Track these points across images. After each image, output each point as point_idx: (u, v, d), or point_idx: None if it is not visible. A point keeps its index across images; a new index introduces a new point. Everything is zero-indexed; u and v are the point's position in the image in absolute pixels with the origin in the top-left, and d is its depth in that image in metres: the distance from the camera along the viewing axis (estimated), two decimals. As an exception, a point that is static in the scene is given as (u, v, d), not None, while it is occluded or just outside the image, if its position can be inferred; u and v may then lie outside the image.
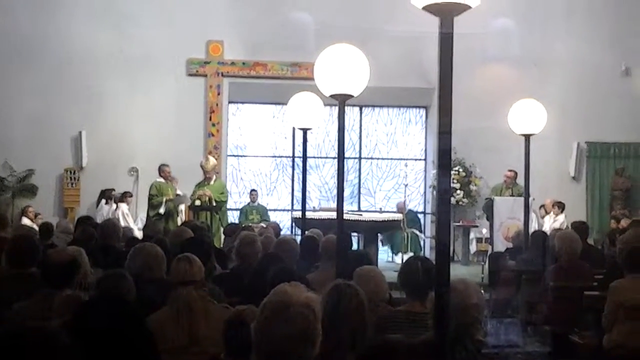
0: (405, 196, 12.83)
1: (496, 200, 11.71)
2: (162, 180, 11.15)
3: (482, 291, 3.60)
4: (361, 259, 4.75)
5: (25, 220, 11.52)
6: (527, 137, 6.81)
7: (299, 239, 6.64)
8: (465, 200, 13.34)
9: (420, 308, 3.72)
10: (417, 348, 2.91)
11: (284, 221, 12.88)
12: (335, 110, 5.37)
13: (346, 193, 12.87)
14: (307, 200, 8.26)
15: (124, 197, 12.57)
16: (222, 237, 9.60)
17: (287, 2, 12.99)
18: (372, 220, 10.75)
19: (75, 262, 4.05)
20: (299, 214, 8.28)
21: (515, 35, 12.68)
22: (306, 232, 6.70)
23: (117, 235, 6.52)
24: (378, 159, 14.63)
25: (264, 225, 10.32)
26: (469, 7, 2.63)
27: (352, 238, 8.35)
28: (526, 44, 13.02)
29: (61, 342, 1.94)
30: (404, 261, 4.75)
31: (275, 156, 14.42)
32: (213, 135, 13.53)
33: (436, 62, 2.67)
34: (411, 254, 11.45)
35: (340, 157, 4.90)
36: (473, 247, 12.90)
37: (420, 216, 13.91)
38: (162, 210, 10.83)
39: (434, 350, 2.67)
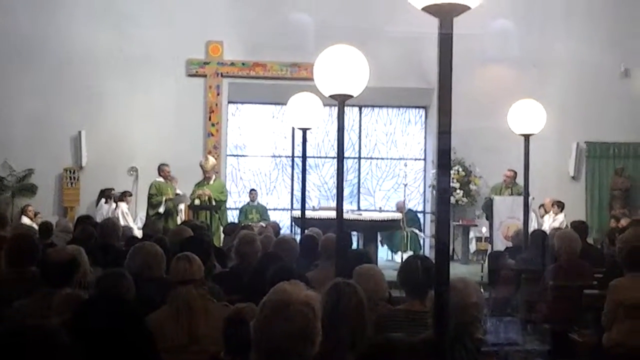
0: (404, 196, 12.83)
1: (496, 200, 11.73)
2: (161, 179, 11.16)
3: (482, 290, 3.61)
4: (361, 257, 4.74)
5: (25, 219, 11.49)
6: (527, 137, 6.84)
7: (298, 238, 6.63)
8: (464, 199, 13.33)
9: (420, 307, 3.73)
10: (416, 347, 2.91)
11: (283, 221, 12.86)
12: (335, 110, 5.38)
13: (346, 193, 12.85)
14: (307, 200, 8.28)
15: (124, 196, 12.56)
16: (222, 236, 9.60)
17: (287, 2, 12.99)
18: (372, 220, 10.76)
19: (75, 261, 4.04)
20: (298, 214, 8.28)
21: (514, 36, 12.69)
22: (306, 231, 6.70)
23: (117, 234, 6.53)
24: (377, 158, 14.62)
25: (264, 225, 10.31)
26: (469, 8, 2.63)
27: (352, 237, 8.35)
28: (525, 44, 13.02)
29: (61, 340, 1.95)
30: (403, 260, 4.76)
31: (274, 156, 14.41)
32: (212, 135, 13.52)
33: (436, 62, 2.68)
34: (411, 253, 11.46)
35: (340, 157, 4.91)
36: (473, 246, 12.90)
37: (420, 215, 13.90)
38: (161, 210, 10.84)
39: (433, 348, 2.67)
